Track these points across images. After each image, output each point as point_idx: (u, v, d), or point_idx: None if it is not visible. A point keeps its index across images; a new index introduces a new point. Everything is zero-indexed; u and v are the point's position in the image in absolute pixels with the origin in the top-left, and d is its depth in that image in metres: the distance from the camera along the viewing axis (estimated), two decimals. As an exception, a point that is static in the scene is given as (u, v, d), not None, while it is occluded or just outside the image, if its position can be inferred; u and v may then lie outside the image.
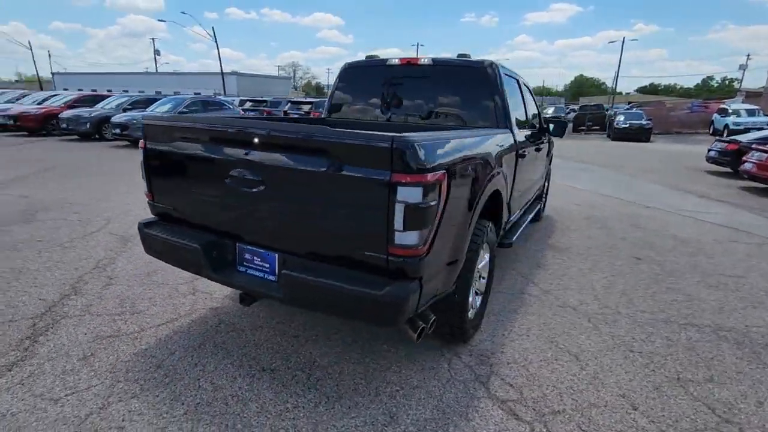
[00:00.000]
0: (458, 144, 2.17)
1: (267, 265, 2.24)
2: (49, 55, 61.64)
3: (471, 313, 2.79)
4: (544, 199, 5.95)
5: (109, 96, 15.75)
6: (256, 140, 1.99)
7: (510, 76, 3.76)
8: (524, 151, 3.62)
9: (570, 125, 27.31)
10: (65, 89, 36.78)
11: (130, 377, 2.36)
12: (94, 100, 15.19)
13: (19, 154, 10.82)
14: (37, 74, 51.04)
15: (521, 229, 4.00)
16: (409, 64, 3.58)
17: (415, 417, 2.16)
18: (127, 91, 26.94)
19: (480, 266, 2.85)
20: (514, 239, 3.65)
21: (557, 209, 6.72)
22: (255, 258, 2.28)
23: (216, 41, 34.92)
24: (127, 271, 3.75)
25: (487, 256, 2.93)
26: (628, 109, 28.72)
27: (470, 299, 2.67)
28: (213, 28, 34.42)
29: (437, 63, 3.48)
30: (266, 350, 2.67)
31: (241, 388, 2.31)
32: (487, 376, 2.50)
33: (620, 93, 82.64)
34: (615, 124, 22.12)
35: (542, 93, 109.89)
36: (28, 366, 2.41)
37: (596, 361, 2.71)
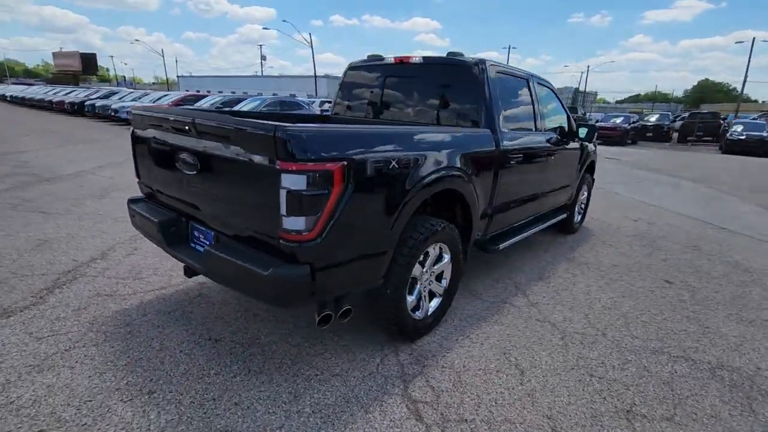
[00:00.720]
0: (369, 138, 2.20)
1: (207, 243, 2.47)
2: (176, 61, 71.00)
3: (420, 314, 2.77)
4: (580, 210, 5.50)
5: (207, 96, 17.75)
6: (187, 128, 2.23)
7: (511, 75, 3.59)
8: (518, 155, 3.43)
9: (675, 134, 24.41)
10: (186, 90, 42.06)
11: (101, 329, 2.75)
12: (196, 99, 17.20)
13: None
14: (167, 77, 59.16)
15: (522, 236, 3.80)
16: (402, 63, 3.60)
17: (316, 401, 2.22)
18: (234, 93, 30.05)
19: (434, 267, 2.80)
20: (502, 246, 3.49)
21: (605, 223, 6.15)
22: (201, 236, 2.53)
23: (311, 47, 37.24)
24: (150, 244, 4.29)
25: (447, 257, 2.87)
26: (754, 119, 24.76)
27: (410, 298, 2.64)
28: (310, 34, 36.78)
29: (427, 62, 3.46)
30: (222, 323, 2.92)
31: (182, 352, 2.57)
32: (413, 376, 2.47)
33: (755, 101, 71.43)
34: (729, 135, 19.24)
35: (654, 98, 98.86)
36: (35, 310, 2.94)
37: (541, 380, 2.51)
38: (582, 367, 2.65)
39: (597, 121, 23.34)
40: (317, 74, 42.18)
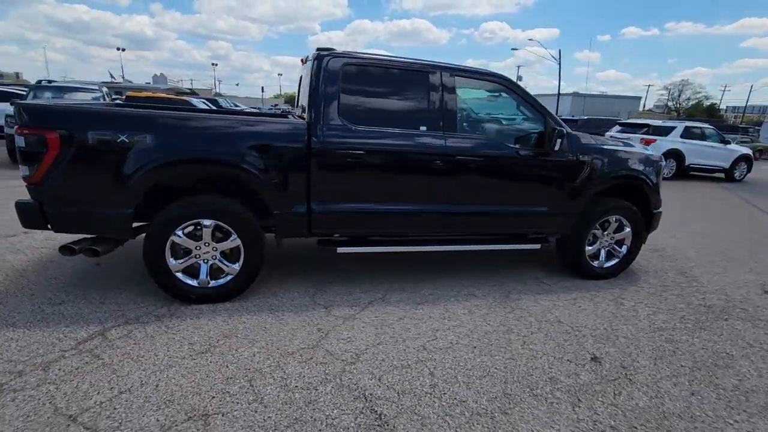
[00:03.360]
0: (98, 116, 2.78)
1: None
2: None
3: (196, 282, 3.03)
4: (615, 251, 4.03)
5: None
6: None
7: (392, 68, 3.28)
8: (359, 154, 3.12)
9: None
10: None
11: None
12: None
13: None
14: None
15: (395, 249, 3.46)
16: (304, 62, 3.77)
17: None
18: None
19: (219, 244, 3.02)
20: (341, 250, 3.32)
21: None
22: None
23: (559, 63, 35.67)
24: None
25: (234, 235, 3.00)
26: None
27: (176, 262, 2.94)
28: (560, 51, 35.39)
29: (308, 59, 3.56)
30: (96, 279, 3.75)
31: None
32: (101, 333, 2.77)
33: None
34: None
35: None
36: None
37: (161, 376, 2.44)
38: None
39: None
40: (567, 92, 41.08)
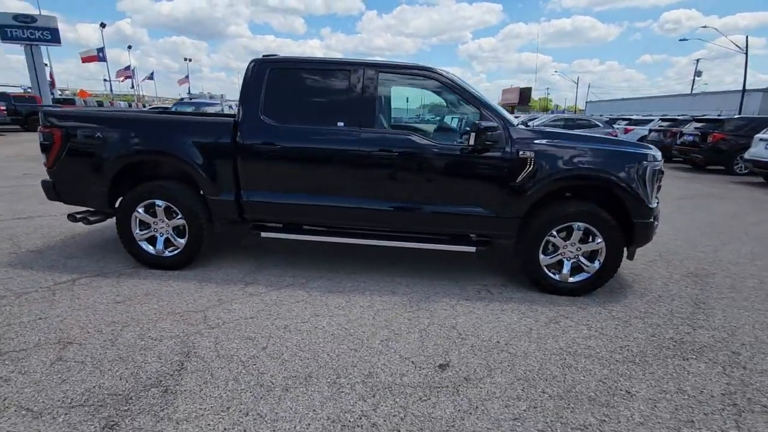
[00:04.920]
0: (88, 116, 3.64)
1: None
2: (589, 87, 75.87)
3: (154, 251, 3.73)
4: (585, 264, 3.44)
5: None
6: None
7: (316, 68, 3.53)
8: (274, 149, 3.45)
9: None
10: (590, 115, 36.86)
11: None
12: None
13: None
14: (575, 104, 65.78)
15: (314, 238, 3.66)
16: None
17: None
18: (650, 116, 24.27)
19: (171, 221, 3.68)
20: (264, 234, 3.67)
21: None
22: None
23: (746, 53, 29.98)
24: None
25: (179, 216, 3.63)
26: None
27: (139, 233, 3.68)
28: (746, 37, 29.60)
29: None
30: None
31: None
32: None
33: None
34: None
35: None
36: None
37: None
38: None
39: None
40: (756, 89, 33.68)
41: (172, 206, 3.62)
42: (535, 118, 16.42)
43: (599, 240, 3.37)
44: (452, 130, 3.38)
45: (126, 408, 2.06)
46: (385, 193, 3.46)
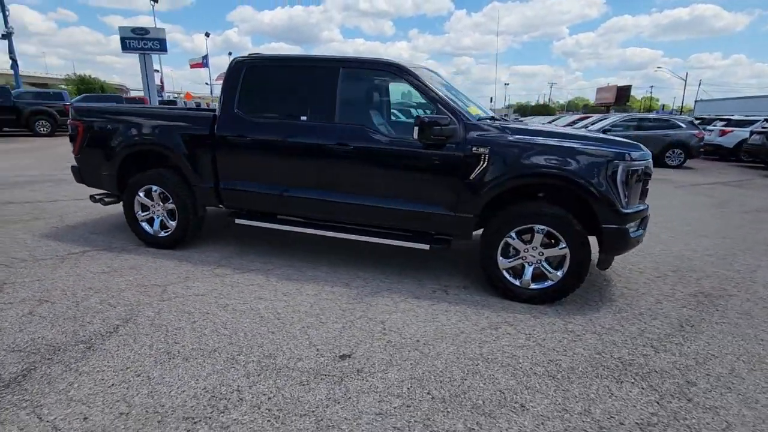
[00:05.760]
0: (99, 112, 4.15)
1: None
2: (699, 84, 68.64)
3: (152, 231, 4.20)
4: (547, 270, 3.22)
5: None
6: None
7: (290, 66, 3.73)
8: (246, 141, 3.70)
9: None
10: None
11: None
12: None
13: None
14: (682, 103, 60.96)
15: (282, 227, 3.84)
16: None
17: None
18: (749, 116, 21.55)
19: (166, 204, 4.11)
20: (238, 221, 3.94)
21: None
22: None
23: None
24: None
25: (169, 201, 4.05)
26: None
27: (141, 214, 4.16)
28: None
29: None
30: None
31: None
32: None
33: None
34: None
35: None
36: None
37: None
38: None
39: None
40: None
41: (165, 192, 4.04)
42: (604, 119, 14.87)
43: (563, 245, 3.10)
44: (410, 125, 3.33)
45: (50, 357, 2.39)
46: (343, 186, 3.52)
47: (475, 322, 2.98)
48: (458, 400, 2.17)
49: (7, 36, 18.60)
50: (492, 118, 3.66)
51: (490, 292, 3.42)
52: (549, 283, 3.20)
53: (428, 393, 2.22)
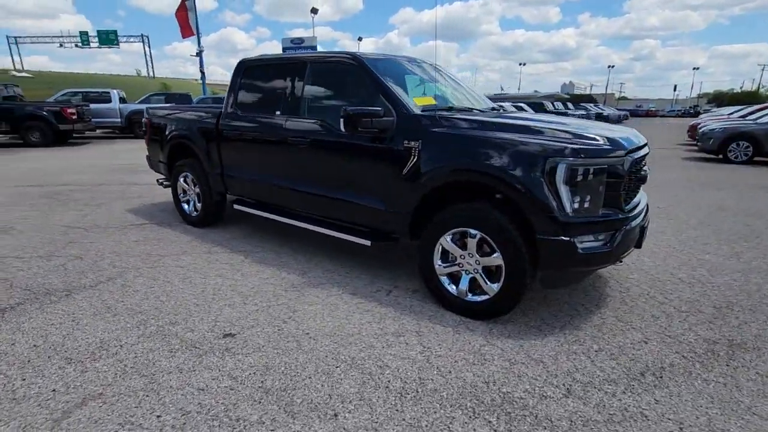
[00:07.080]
0: (157, 110, 5.02)
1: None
2: None
3: (188, 211, 4.98)
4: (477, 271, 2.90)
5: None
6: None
7: (272, 65, 4.06)
8: (237, 135, 4.16)
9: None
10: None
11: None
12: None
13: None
14: None
15: (274, 217, 4.09)
16: None
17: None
18: None
19: (196, 188, 4.83)
20: (236, 207, 4.41)
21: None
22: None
23: None
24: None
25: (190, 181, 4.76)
26: None
27: (182, 196, 4.97)
28: None
29: None
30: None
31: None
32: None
33: None
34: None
35: None
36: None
37: (131, 246, 4.27)
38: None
39: None
40: None
41: (194, 178, 4.76)
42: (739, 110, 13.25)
43: (496, 255, 2.68)
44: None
45: (38, 299, 3.13)
46: (304, 177, 3.67)
47: (384, 326, 2.81)
48: (279, 395, 2.14)
49: (199, 54, 23.24)
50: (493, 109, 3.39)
51: (433, 299, 3.15)
52: (485, 297, 2.80)
53: (262, 382, 2.24)
